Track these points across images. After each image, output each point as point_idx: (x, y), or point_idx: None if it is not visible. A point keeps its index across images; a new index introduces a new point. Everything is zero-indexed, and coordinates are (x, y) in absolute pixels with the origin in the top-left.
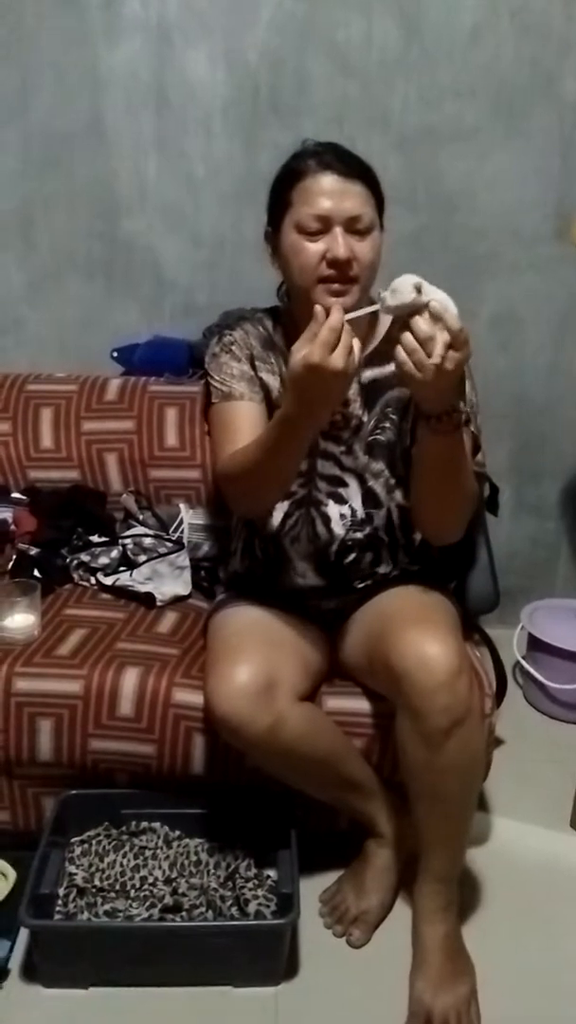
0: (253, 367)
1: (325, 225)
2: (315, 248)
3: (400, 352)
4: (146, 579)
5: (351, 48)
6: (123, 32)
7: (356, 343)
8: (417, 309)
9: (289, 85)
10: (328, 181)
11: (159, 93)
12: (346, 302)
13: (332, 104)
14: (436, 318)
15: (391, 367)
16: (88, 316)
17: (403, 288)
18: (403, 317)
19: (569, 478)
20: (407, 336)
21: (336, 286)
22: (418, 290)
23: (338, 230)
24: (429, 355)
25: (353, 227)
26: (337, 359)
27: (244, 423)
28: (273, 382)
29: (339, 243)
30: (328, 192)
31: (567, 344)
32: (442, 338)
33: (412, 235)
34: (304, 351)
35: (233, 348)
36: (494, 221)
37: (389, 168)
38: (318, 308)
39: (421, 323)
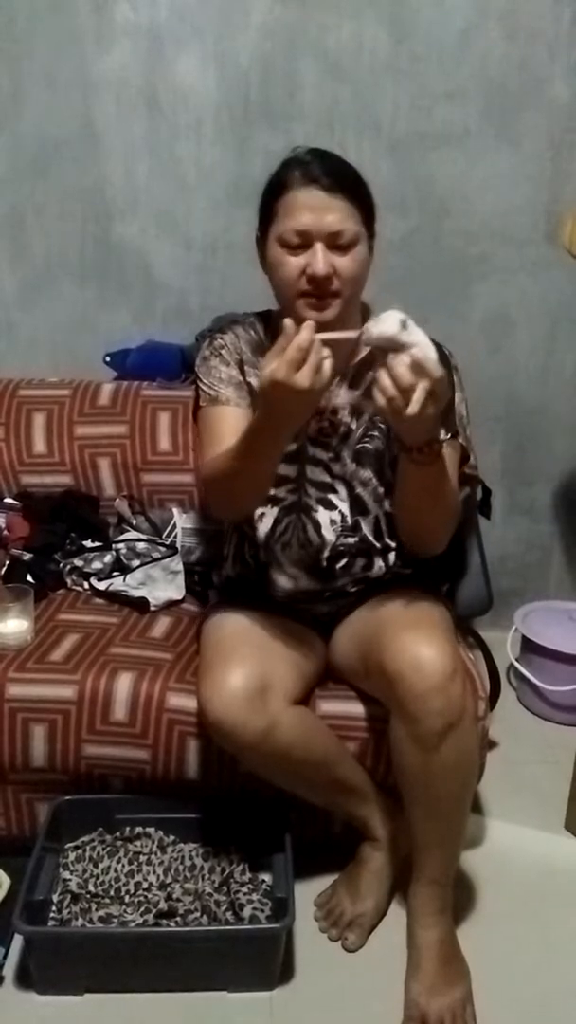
0: (242, 372)
1: (306, 240)
2: (296, 262)
3: (378, 394)
4: (139, 584)
5: (341, 53)
6: (114, 36)
7: (327, 362)
8: (397, 346)
9: (280, 90)
10: (310, 196)
11: (150, 97)
12: (327, 315)
13: (323, 109)
14: (418, 367)
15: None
16: (80, 321)
17: (388, 321)
18: (383, 350)
19: (562, 480)
20: (386, 380)
21: (315, 300)
22: (403, 326)
23: (319, 246)
24: (407, 402)
25: (335, 242)
26: (302, 378)
27: (228, 428)
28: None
29: (318, 259)
30: (309, 207)
31: (559, 346)
32: (422, 386)
33: (403, 239)
34: (271, 366)
35: (223, 352)
36: (485, 224)
37: (380, 172)
38: (287, 322)
39: (402, 370)
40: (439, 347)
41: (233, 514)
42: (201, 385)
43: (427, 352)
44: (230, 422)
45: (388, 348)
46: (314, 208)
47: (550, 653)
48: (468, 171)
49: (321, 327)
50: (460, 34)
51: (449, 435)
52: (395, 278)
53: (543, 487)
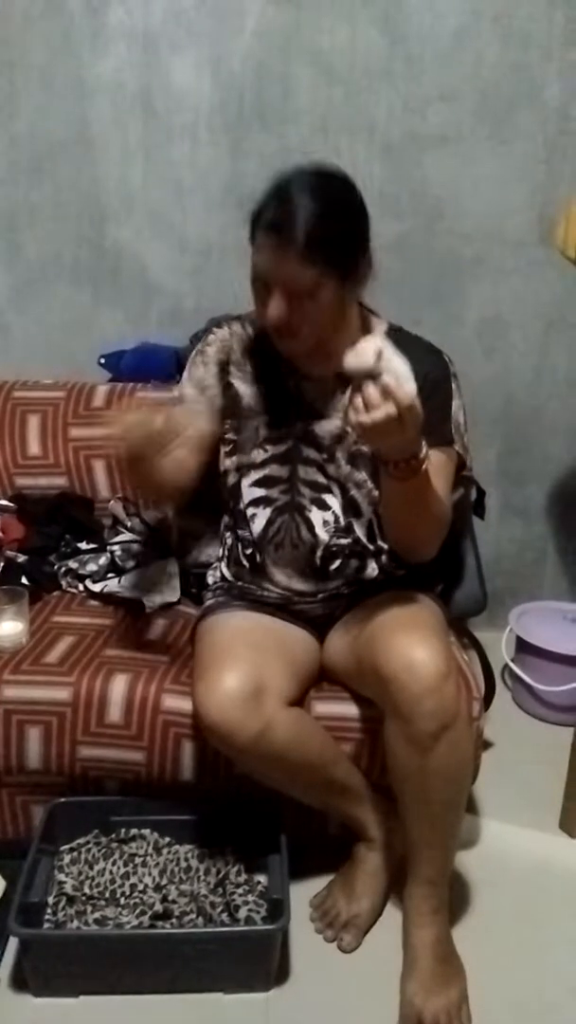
0: (224, 372)
1: (266, 282)
2: (261, 298)
3: (351, 413)
4: (134, 585)
5: (335, 55)
6: (109, 40)
7: (153, 420)
8: (373, 375)
9: (274, 93)
10: (271, 242)
11: (145, 100)
12: (294, 348)
13: (317, 111)
14: (387, 393)
15: None
16: (75, 323)
17: (364, 352)
18: (358, 378)
19: (555, 481)
20: (357, 400)
21: (279, 336)
22: (379, 357)
23: (276, 291)
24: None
25: (293, 289)
26: (122, 430)
27: None
28: (245, 390)
29: (271, 307)
30: (267, 254)
31: (552, 348)
32: (387, 411)
33: (398, 241)
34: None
35: (207, 350)
36: (479, 226)
37: (374, 174)
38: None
39: (371, 391)
40: (439, 354)
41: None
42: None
43: (400, 379)
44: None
45: (366, 376)
46: (272, 256)
47: (544, 653)
48: (462, 173)
49: (291, 357)
50: (453, 36)
51: (425, 453)
52: (389, 280)
53: (537, 488)
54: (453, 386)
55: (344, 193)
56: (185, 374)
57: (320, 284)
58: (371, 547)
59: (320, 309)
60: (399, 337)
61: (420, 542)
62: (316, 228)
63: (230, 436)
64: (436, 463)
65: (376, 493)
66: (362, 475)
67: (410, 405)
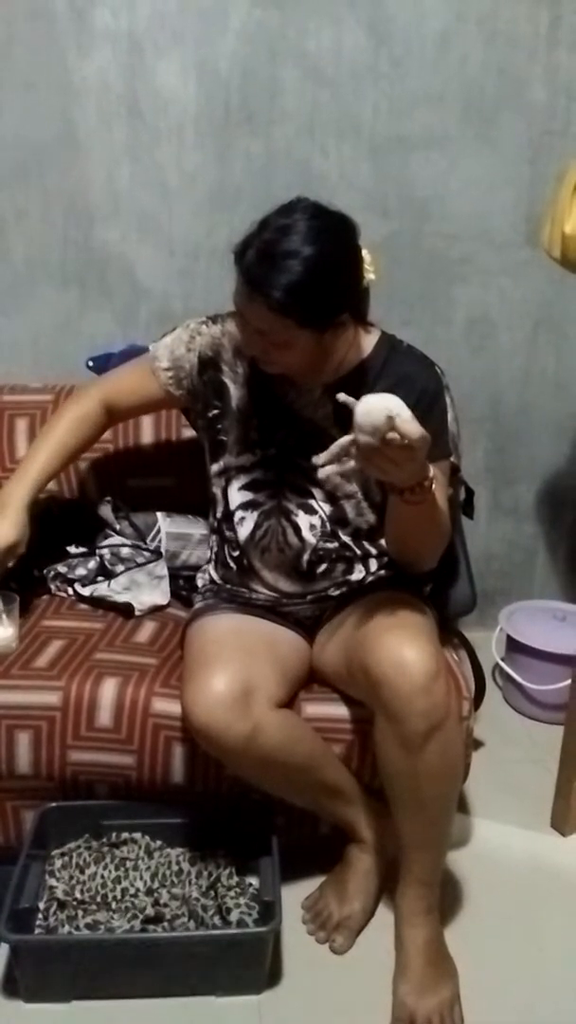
0: (208, 367)
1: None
2: (240, 324)
3: (356, 456)
4: (124, 589)
5: (321, 57)
6: (94, 42)
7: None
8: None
9: (260, 94)
10: (248, 292)
11: (131, 103)
12: (275, 372)
13: (303, 113)
14: (402, 435)
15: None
16: (62, 325)
17: (377, 416)
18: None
19: (545, 480)
20: (362, 441)
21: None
22: (390, 423)
23: (251, 331)
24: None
25: (267, 336)
26: None
27: (133, 382)
28: (236, 391)
29: (245, 345)
30: (246, 301)
31: (540, 347)
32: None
33: (385, 241)
34: None
35: (197, 338)
36: (466, 227)
37: (361, 175)
38: None
39: (393, 449)
40: (432, 366)
41: None
42: (166, 336)
43: (414, 425)
44: (139, 380)
45: (373, 432)
46: (247, 304)
47: (535, 652)
48: (448, 174)
49: (272, 374)
50: (439, 37)
51: (432, 473)
52: (377, 280)
53: (526, 487)
54: (447, 399)
55: (333, 247)
56: (167, 339)
57: (293, 337)
58: (358, 552)
59: (295, 355)
60: (393, 348)
61: (425, 557)
62: (292, 295)
63: (220, 438)
64: (436, 477)
65: (365, 504)
66: (353, 487)
67: (422, 435)
